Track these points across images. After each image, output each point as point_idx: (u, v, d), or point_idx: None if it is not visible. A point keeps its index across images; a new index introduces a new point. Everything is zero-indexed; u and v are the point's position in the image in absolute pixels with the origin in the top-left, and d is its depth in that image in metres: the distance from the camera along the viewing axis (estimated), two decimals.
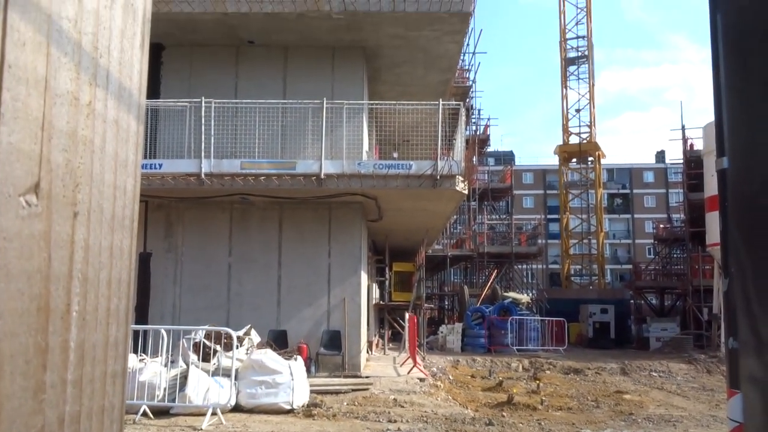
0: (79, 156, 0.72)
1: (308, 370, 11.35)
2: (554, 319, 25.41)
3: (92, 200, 0.75)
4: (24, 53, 0.66)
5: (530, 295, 34.63)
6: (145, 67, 0.93)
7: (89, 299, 0.73)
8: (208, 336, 10.01)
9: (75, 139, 0.72)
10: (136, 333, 10.40)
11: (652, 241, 42.81)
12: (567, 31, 38.39)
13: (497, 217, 40.90)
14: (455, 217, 31.32)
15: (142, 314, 13.02)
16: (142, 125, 0.91)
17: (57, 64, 0.70)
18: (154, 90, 13.75)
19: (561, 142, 38.71)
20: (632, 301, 34.35)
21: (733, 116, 1.48)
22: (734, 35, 1.14)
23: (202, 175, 12.06)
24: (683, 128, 29.21)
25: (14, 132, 0.62)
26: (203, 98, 12.40)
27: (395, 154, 16.91)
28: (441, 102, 13.05)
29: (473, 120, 30.12)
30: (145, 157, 12.39)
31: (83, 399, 0.72)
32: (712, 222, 22.30)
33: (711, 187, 21.90)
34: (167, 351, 9.45)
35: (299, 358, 10.58)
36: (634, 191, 65.57)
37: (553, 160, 45.15)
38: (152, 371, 9.21)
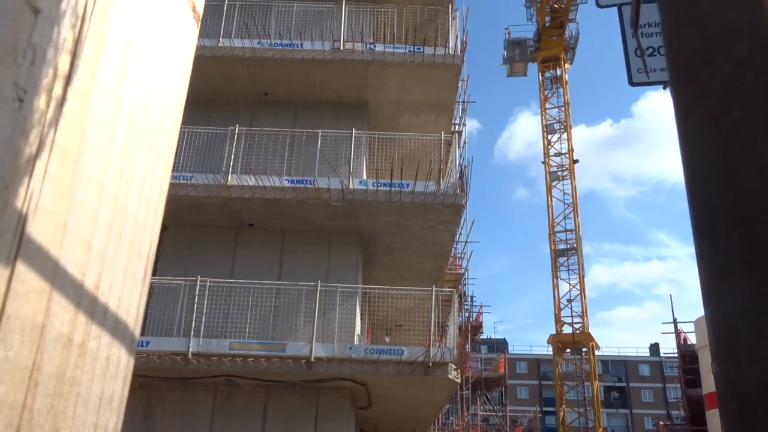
0: (63, 399, 0.72)
1: None
2: None
3: None
4: (25, 303, 0.69)
5: None
6: (144, 299, 0.96)
7: None
8: None
9: (62, 381, 0.73)
10: None
11: None
12: (555, 224, 39.98)
13: (491, 407, 39.39)
14: (448, 407, 30.15)
15: None
16: (133, 358, 0.91)
17: (57, 308, 0.72)
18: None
19: (554, 332, 38.51)
20: None
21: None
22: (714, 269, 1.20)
23: (189, 355, 11.80)
24: (675, 322, 29.29)
25: (1, 384, 0.62)
26: (199, 277, 12.53)
27: (387, 339, 16.74)
28: (434, 288, 13.20)
29: (466, 307, 30.22)
30: None
31: None
32: (713, 420, 21.48)
33: (708, 383, 21.43)
34: None
35: None
36: (631, 385, 63.92)
37: (547, 350, 44.59)
38: None
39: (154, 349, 11.85)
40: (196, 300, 12.30)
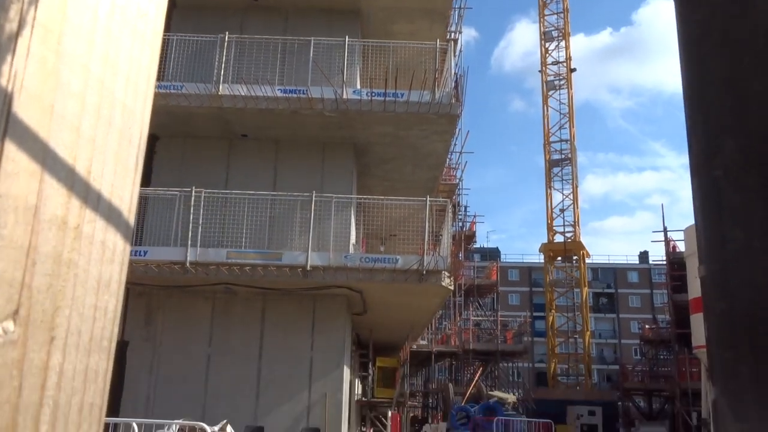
0: (61, 279, 0.73)
1: None
2: (541, 420, 24.72)
3: (71, 323, 0.75)
4: (16, 183, 0.68)
5: (516, 394, 33.87)
6: (137, 188, 0.95)
7: (57, 427, 0.72)
8: (181, 430, 9.63)
9: (60, 262, 0.73)
10: (106, 426, 10.00)
11: (638, 341, 42.52)
12: (551, 134, 39.76)
13: (483, 313, 40.64)
14: (441, 312, 31.07)
15: (113, 404, 12.54)
16: (129, 245, 0.92)
17: (49, 191, 0.72)
18: (145, 178, 13.89)
19: (546, 241, 39.17)
20: (620, 403, 33.65)
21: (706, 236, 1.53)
22: (704, 168, 1.20)
23: (187, 264, 11.99)
24: (665, 230, 29.78)
25: None
26: (194, 188, 12.54)
27: (382, 248, 17.00)
28: (428, 198, 13.28)
29: (460, 216, 30.55)
30: (131, 244, 12.35)
31: None
32: (698, 324, 22.29)
33: (694, 289, 22.05)
34: None
35: None
36: (619, 291, 65.77)
37: (539, 258, 45.52)
38: None
39: (152, 258, 12.02)
40: (191, 210, 12.36)
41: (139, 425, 9.30)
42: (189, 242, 12.10)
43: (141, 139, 0.95)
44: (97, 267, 0.82)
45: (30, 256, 0.69)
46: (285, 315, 13.51)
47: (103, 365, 0.82)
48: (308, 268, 12.15)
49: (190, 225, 12.25)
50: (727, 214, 1.08)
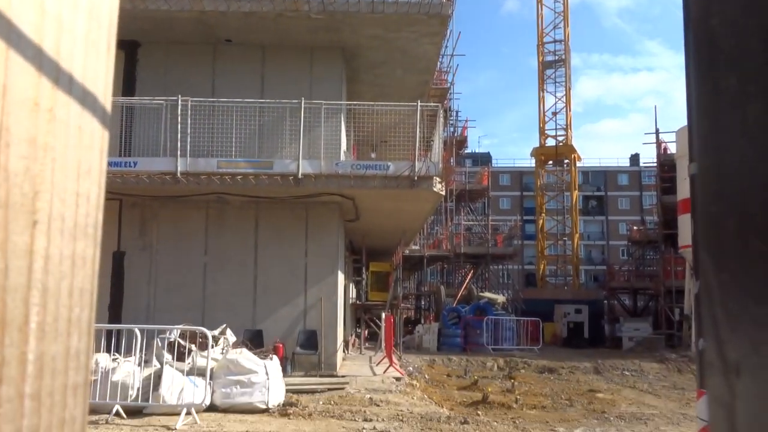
0: (39, 163, 0.71)
1: (284, 370, 11.31)
2: (529, 319, 25.63)
3: (53, 208, 0.74)
4: None
5: (506, 295, 34.89)
6: (110, 73, 0.91)
7: (49, 310, 0.73)
8: (182, 335, 9.93)
9: (35, 146, 0.71)
10: (109, 333, 10.29)
11: (626, 242, 43.40)
12: (545, 34, 38.74)
13: (474, 218, 41.13)
14: (432, 217, 31.43)
15: (115, 313, 12.86)
16: (108, 131, 0.89)
17: (16, 69, 0.69)
18: (129, 87, 13.58)
19: (537, 145, 39.06)
20: (606, 302, 34.78)
21: (700, 128, 1.52)
22: (704, 57, 1.16)
23: (178, 174, 11.94)
24: (657, 132, 29.68)
25: None
26: (180, 96, 12.27)
27: (373, 155, 16.93)
28: (419, 103, 13.09)
29: (451, 121, 30.25)
30: (120, 155, 12.25)
31: (42, 412, 0.72)
32: (684, 224, 22.68)
33: (683, 190, 22.27)
34: (141, 351, 9.34)
35: (275, 357, 10.54)
36: (609, 194, 66.39)
37: (530, 162, 45.58)
38: (125, 371, 9.10)
39: (142, 169, 11.95)
40: (179, 120, 12.16)
41: (141, 331, 9.56)
42: (178, 152, 11.98)
43: (111, 22, 0.91)
44: (76, 153, 0.80)
45: (3, 138, 0.67)
46: (278, 223, 13.62)
47: (90, 251, 0.82)
48: (300, 176, 12.13)
49: (179, 135, 12.09)
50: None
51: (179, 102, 12.25)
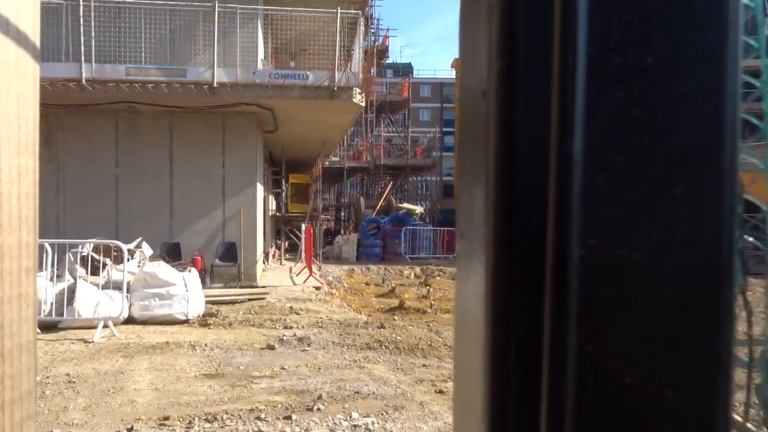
0: None
1: (203, 282, 11.38)
2: (446, 228, 26.56)
3: (1, 130, 0.89)
4: None
5: (424, 206, 35.80)
6: (38, 13, 0.99)
7: (4, 209, 0.89)
8: (96, 249, 9.74)
9: None
10: None
11: None
12: None
13: (394, 129, 41.29)
14: (353, 128, 31.32)
15: None
16: (39, 65, 1.01)
17: None
18: None
19: (458, 56, 39.06)
20: None
21: None
22: None
23: (83, 81, 11.28)
24: None
25: None
26: None
27: (292, 64, 16.49)
28: (339, 10, 12.74)
29: (372, 30, 29.62)
30: None
31: (5, 287, 0.93)
32: None
33: None
34: (52, 265, 9.12)
35: (193, 269, 10.57)
36: None
37: (451, 74, 45.64)
38: (37, 286, 8.91)
39: (44, 75, 11.15)
40: (81, 22, 11.35)
41: (52, 245, 9.29)
42: (82, 57, 11.27)
43: None
44: (16, 84, 0.93)
45: None
46: (194, 134, 13.25)
47: (31, 164, 1.00)
48: (215, 85, 11.74)
49: (82, 38, 11.33)
50: None
51: (81, 3, 11.40)
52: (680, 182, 0.48)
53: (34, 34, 0.92)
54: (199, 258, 12.55)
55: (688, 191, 0.48)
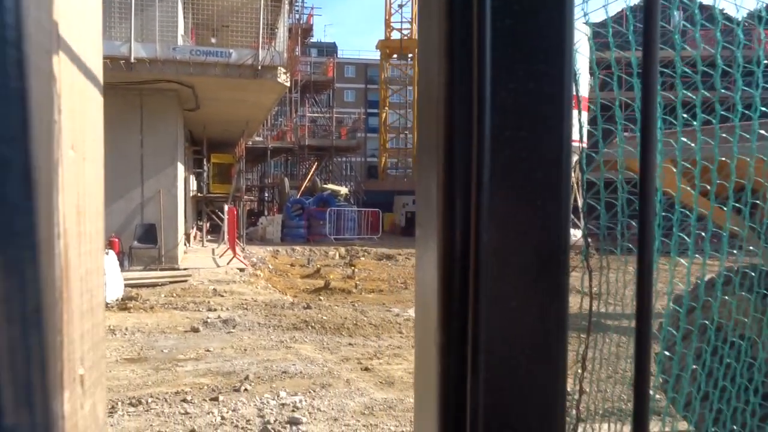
0: None
1: (121, 265, 11.02)
2: (370, 209, 26.71)
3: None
4: None
5: (348, 187, 35.79)
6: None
7: (92, 203, 1.11)
8: None
9: None
10: None
11: None
12: None
13: (319, 109, 40.94)
14: (277, 108, 30.81)
15: None
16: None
17: None
18: None
19: (383, 37, 39.05)
20: None
21: None
22: None
23: None
24: None
25: None
26: None
27: (213, 40, 16.05)
28: None
29: (296, 8, 29.11)
30: None
31: (90, 263, 1.05)
32: None
33: None
34: None
35: (111, 252, 10.22)
36: None
37: (375, 55, 45.61)
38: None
39: None
40: None
41: None
42: None
43: None
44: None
45: None
46: (110, 111, 12.56)
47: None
48: (132, 60, 11.29)
49: None
50: None
51: None
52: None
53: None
54: (117, 240, 12.12)
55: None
